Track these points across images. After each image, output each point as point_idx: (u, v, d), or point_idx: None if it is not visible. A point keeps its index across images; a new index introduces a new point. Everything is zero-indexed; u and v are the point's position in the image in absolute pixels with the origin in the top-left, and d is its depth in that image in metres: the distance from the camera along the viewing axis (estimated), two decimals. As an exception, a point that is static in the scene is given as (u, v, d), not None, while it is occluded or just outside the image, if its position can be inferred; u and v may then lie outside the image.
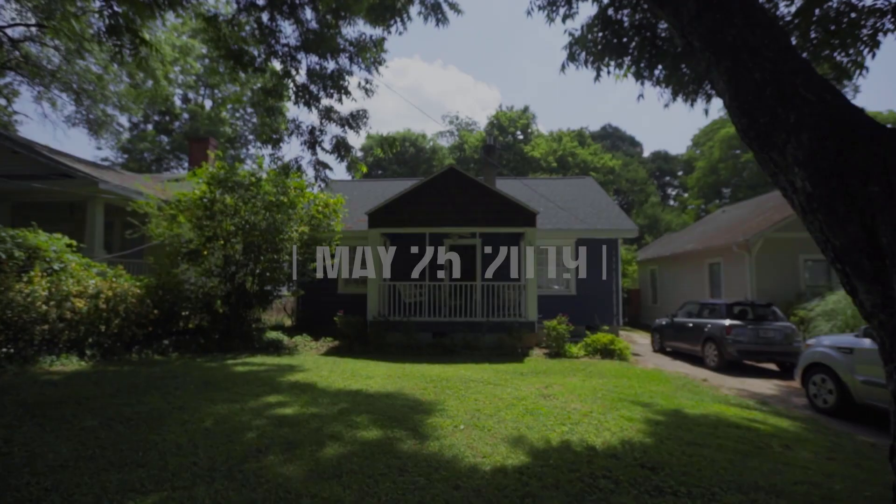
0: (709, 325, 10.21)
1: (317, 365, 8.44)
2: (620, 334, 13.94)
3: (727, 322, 9.76)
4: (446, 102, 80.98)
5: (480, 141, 36.97)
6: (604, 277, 13.90)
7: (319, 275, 12.13)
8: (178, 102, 35.96)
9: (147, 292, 9.67)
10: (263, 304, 11.61)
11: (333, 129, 10.90)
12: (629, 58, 6.79)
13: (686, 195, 48.18)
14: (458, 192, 11.77)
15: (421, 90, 77.74)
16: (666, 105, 7.06)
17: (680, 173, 52.11)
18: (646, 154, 52.18)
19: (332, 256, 12.13)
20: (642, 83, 6.88)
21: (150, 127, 35.50)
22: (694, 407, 6.05)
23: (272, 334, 11.86)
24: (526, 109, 39.83)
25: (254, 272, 10.80)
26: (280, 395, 5.94)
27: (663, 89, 6.85)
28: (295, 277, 11.69)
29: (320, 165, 8.94)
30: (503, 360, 9.92)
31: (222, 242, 10.42)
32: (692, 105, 6.82)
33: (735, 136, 40.23)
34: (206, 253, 10.75)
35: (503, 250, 14.16)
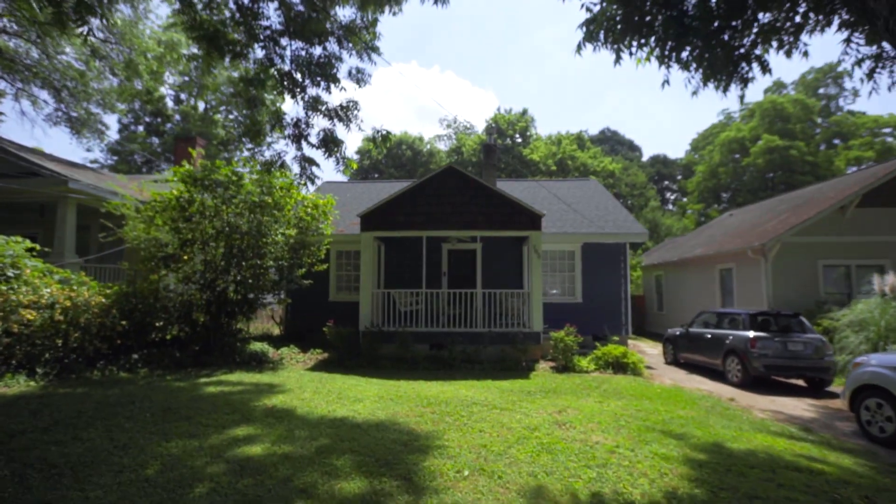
0: (730, 337, 9.33)
1: (300, 383, 7.50)
2: (629, 344, 13.05)
3: (751, 334, 8.89)
4: (443, 108, 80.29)
5: (478, 144, 36.18)
6: (611, 284, 13.03)
7: (308, 281, 11.21)
8: (170, 104, 35.08)
9: (115, 301, 8.72)
10: (247, 314, 10.65)
11: (321, 123, 9.94)
12: (654, 38, 5.95)
13: (685, 199, 47.52)
14: (457, 192, 10.88)
15: (418, 95, 77.08)
16: (694, 92, 6.20)
17: (679, 177, 51.51)
18: (645, 158, 51.56)
19: (322, 262, 11.20)
20: (668, 67, 6.04)
21: (140, 128, 34.54)
22: (735, 439, 5.16)
23: (256, 346, 10.90)
24: (524, 112, 39.06)
25: (236, 279, 9.87)
26: (250, 427, 5.01)
27: (692, 73, 6.02)
28: (282, 284, 10.77)
29: (306, 161, 8.04)
30: (507, 375, 9.01)
31: (200, 246, 9.50)
32: (725, 91, 5.99)
33: (736, 140, 39.60)
34: (186, 258, 9.83)
35: (506, 255, 13.31)
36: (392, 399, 6.55)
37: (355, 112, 8.17)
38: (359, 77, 8.22)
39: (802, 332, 8.99)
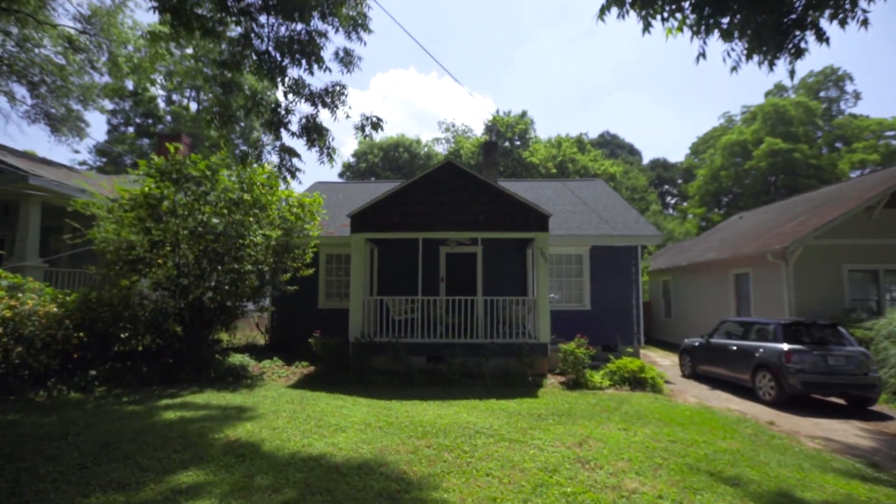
0: (761, 350, 8.36)
1: (276, 406, 6.48)
2: (641, 355, 12.06)
3: (786, 347, 7.92)
4: (441, 114, 79.75)
5: (477, 147, 35.27)
6: (622, 290, 12.05)
7: (293, 287, 10.23)
8: (161, 105, 34.12)
9: (73, 310, 7.71)
10: (226, 323, 9.64)
11: (304, 109, 8.82)
12: (688, 2, 5.02)
13: (685, 204, 46.71)
14: (456, 190, 9.91)
15: (416, 102, 76.37)
16: (734, 67, 5.26)
17: (679, 181, 50.79)
18: (645, 162, 50.83)
19: (308, 266, 10.21)
20: (704, 38, 5.08)
21: (131, 129, 33.55)
22: (803, 485, 4.16)
23: (236, 358, 9.89)
24: (524, 114, 38.18)
25: (211, 285, 8.86)
26: (201, 470, 3.99)
27: (734, 44, 5.08)
28: (264, 291, 9.76)
29: (286, 152, 7.07)
30: (512, 392, 8.01)
31: (170, 249, 8.49)
32: (772, 66, 5.05)
33: (738, 143, 38.81)
34: (161, 261, 8.82)
35: (509, 259, 12.34)
36: (381, 427, 5.54)
37: (342, 97, 7.22)
38: (346, 59, 7.29)
39: (841, 344, 8.02)
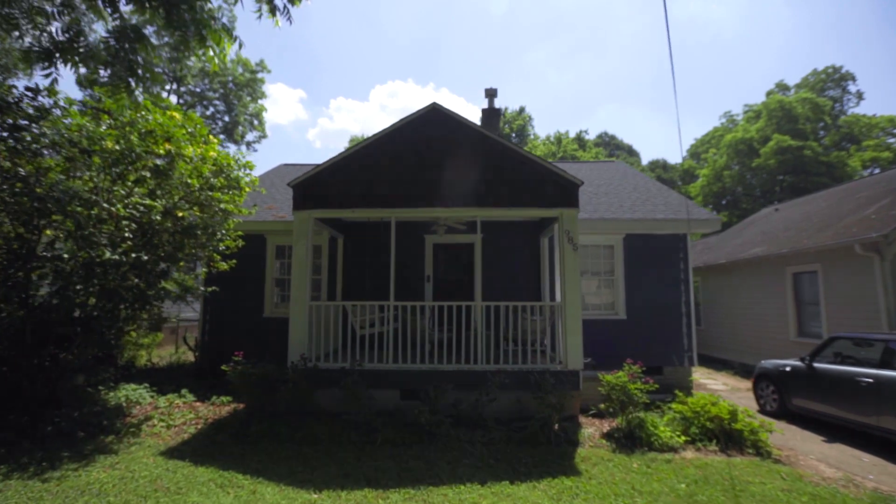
0: (934, 389, 4.99)
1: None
2: (692, 377, 8.65)
3: None
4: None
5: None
6: (666, 293, 8.66)
7: (212, 288, 6.81)
8: (142, 98, 30.68)
9: None
10: (98, 343, 6.17)
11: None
12: None
13: (686, 206, 43.57)
14: (447, 148, 6.53)
15: (413, 110, 73.12)
16: None
17: (679, 183, 47.66)
18: (644, 162, 47.72)
19: (228, 258, 6.79)
20: None
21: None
22: None
23: (123, 392, 6.46)
24: (522, 110, 34.96)
25: (62, 284, 5.40)
26: None
27: None
28: (151, 295, 6.31)
29: (125, 36, 3.67)
30: (535, 463, 4.58)
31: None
32: None
33: (743, 141, 35.65)
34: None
35: (519, 250, 8.96)
36: None
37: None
38: None
39: None
